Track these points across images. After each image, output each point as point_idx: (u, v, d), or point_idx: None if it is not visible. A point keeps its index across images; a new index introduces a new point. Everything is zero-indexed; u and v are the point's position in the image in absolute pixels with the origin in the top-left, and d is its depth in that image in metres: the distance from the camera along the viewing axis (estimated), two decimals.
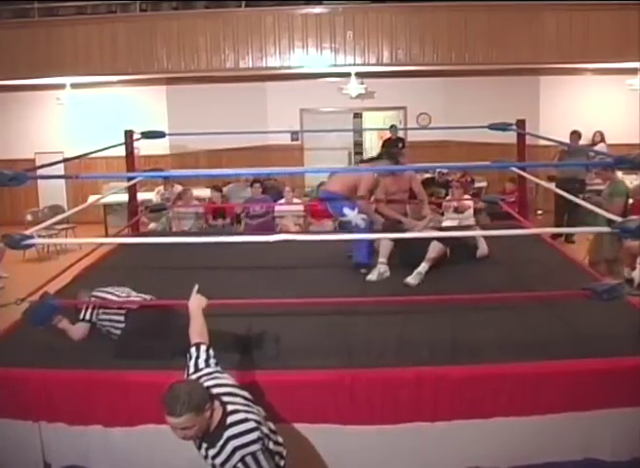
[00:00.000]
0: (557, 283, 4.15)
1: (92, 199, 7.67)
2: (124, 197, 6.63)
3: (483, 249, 5.10)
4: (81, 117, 11.09)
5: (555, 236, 8.06)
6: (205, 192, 9.26)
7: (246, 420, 2.36)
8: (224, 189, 9.23)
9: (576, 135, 9.15)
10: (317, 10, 9.37)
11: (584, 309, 3.70)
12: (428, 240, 4.70)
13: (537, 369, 3.24)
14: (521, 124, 5.98)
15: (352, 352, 3.48)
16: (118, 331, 3.64)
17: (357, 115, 13.19)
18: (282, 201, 8.72)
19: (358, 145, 13.72)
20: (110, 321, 3.67)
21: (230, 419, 2.36)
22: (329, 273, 4.88)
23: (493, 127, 5.86)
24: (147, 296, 3.83)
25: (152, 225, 8.32)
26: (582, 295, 3.34)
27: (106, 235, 9.58)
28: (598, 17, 8.93)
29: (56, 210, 9.55)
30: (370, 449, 3.22)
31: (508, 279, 4.59)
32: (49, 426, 3.28)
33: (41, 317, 3.48)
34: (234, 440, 2.31)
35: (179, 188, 8.84)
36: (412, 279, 4.58)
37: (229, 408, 2.39)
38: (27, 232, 3.51)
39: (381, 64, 9.40)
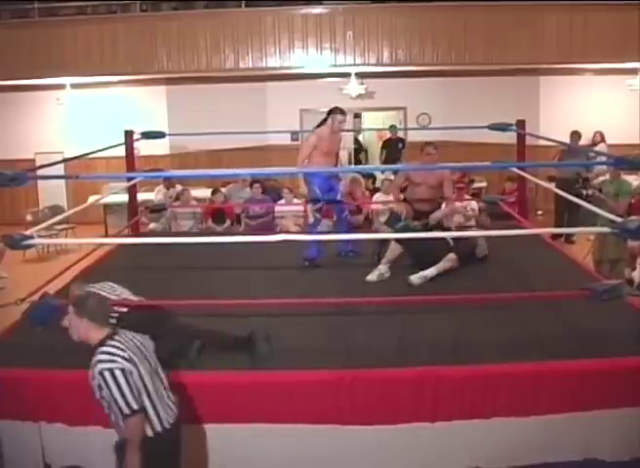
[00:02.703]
0: (557, 283, 4.15)
1: (92, 199, 7.66)
2: (124, 197, 6.63)
3: (482, 247, 5.10)
4: (81, 117, 11.07)
5: (555, 236, 8.06)
6: (205, 192, 9.25)
7: (121, 350, 2.57)
8: (224, 190, 9.23)
9: (576, 135, 9.14)
10: (317, 10, 9.37)
11: (584, 309, 3.70)
12: (435, 239, 4.69)
13: (536, 369, 3.24)
14: (521, 124, 5.98)
15: (352, 352, 3.48)
16: None
17: (357, 115, 13.19)
18: (282, 201, 8.71)
19: (358, 146, 13.75)
20: None
21: (109, 343, 2.60)
22: (329, 273, 4.88)
23: (493, 127, 5.86)
24: (136, 298, 3.79)
25: (152, 225, 8.32)
26: (582, 295, 3.34)
27: (106, 235, 9.57)
28: (598, 17, 8.93)
29: (56, 210, 9.53)
30: (370, 449, 3.22)
31: (508, 279, 4.59)
32: (49, 426, 3.28)
33: (41, 317, 3.48)
34: (101, 355, 2.56)
35: (179, 188, 8.84)
36: (416, 279, 4.57)
37: (116, 338, 2.63)
38: (27, 232, 3.51)
39: (381, 65, 9.40)
